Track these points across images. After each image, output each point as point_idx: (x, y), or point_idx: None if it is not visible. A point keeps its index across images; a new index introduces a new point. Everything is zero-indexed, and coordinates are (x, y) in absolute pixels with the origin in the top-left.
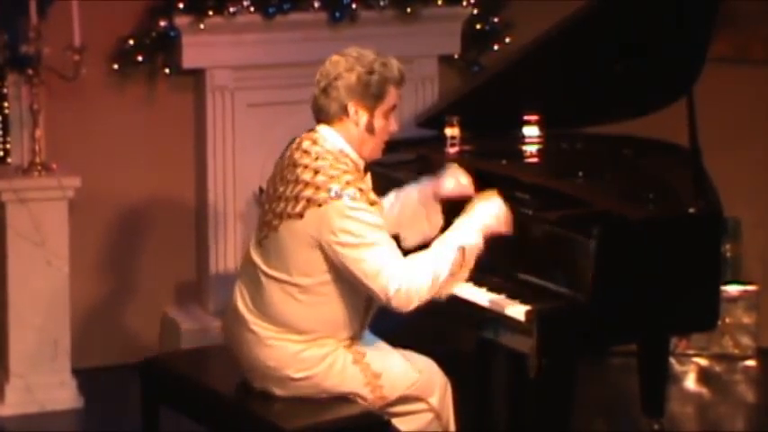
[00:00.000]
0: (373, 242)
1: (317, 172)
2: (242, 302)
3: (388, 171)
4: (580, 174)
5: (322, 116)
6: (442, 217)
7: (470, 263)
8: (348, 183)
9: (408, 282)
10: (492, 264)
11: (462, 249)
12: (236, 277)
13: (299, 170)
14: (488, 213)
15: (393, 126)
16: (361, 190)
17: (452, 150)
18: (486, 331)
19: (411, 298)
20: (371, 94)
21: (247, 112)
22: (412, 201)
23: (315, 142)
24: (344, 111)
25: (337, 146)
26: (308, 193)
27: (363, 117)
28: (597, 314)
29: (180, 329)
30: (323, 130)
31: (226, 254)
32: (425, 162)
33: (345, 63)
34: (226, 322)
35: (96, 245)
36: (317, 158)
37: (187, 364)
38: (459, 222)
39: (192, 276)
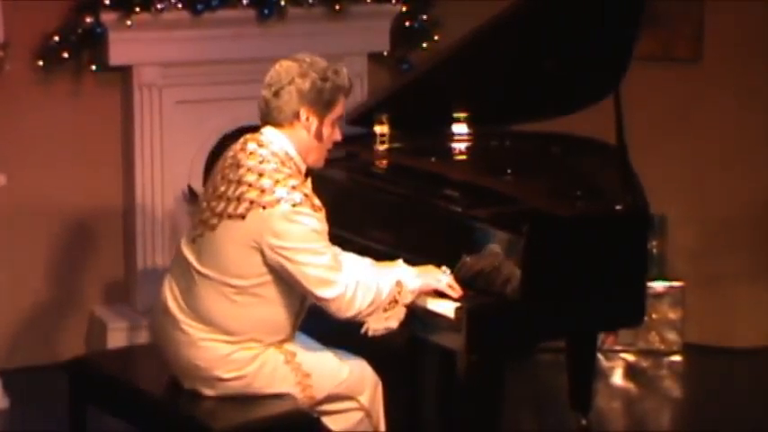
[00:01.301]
0: (317, 248)
1: (261, 175)
2: (173, 301)
3: (320, 170)
4: (509, 171)
5: (270, 119)
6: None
7: (401, 305)
8: (294, 187)
9: (352, 289)
10: (421, 261)
11: (400, 284)
12: (166, 274)
13: (242, 171)
14: (433, 275)
15: (337, 135)
16: (306, 195)
17: (381, 148)
18: (417, 329)
19: (352, 304)
20: (324, 101)
21: (176, 110)
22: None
23: (260, 144)
24: (296, 116)
25: (283, 149)
26: (252, 195)
27: (314, 123)
28: (526, 311)
29: (107, 328)
30: (269, 132)
31: (154, 252)
32: (355, 159)
33: (299, 68)
34: (154, 320)
35: (22, 244)
36: (261, 161)
37: (114, 363)
38: (404, 267)
39: (119, 275)
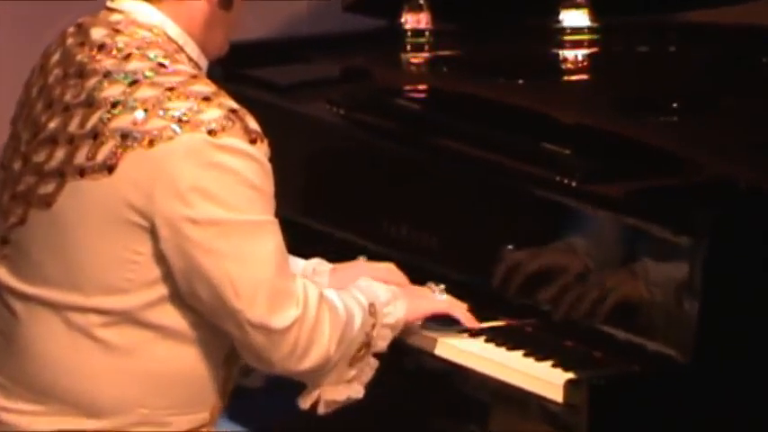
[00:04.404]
0: (260, 222)
1: (135, 82)
2: None
3: (291, 103)
4: (674, 105)
5: None
6: None
7: (371, 352)
8: (206, 99)
9: (313, 308)
10: (497, 290)
11: (374, 310)
12: None
13: (92, 82)
14: (420, 291)
15: None
16: (231, 111)
17: (415, 59)
18: (487, 422)
19: (316, 340)
20: None
21: None
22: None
23: (115, 29)
24: None
25: (162, 30)
26: (122, 122)
27: None
28: (708, 387)
29: None
30: (132, 6)
31: None
32: (361, 83)
33: None
34: None
35: None
36: (128, 56)
37: None
38: (367, 277)
39: None
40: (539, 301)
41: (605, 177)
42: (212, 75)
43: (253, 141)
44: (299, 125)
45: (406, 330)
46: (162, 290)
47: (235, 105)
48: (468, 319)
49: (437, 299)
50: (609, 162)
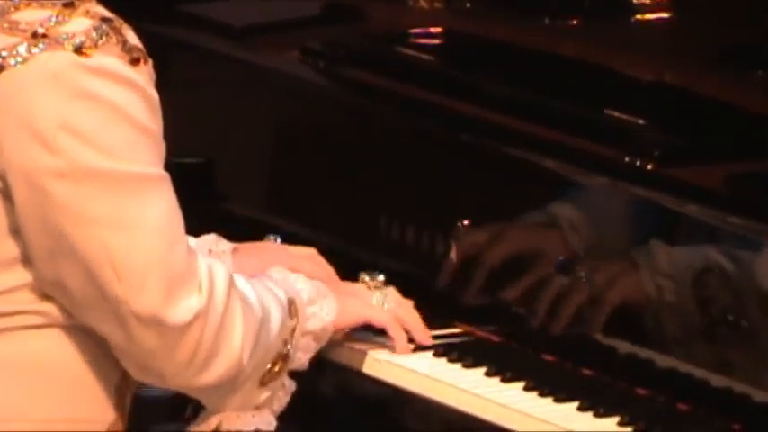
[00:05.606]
0: (144, 174)
1: None
2: None
3: (250, 53)
4: None
5: None
6: None
7: (285, 369)
8: (69, 5)
9: (221, 298)
10: (542, 319)
11: (293, 306)
12: None
13: None
14: (353, 288)
15: None
16: (107, 21)
17: None
18: None
19: (219, 346)
20: None
21: None
22: None
23: None
24: None
25: None
26: None
27: None
28: None
29: None
30: None
31: None
32: (350, 22)
33: None
34: None
35: None
36: None
37: None
38: (300, 278)
39: None
40: (596, 332)
41: (695, 158)
42: (126, 10)
43: (134, 62)
44: (262, 84)
45: (334, 342)
46: (18, 276)
47: (107, 13)
48: (421, 334)
49: (373, 302)
50: (699, 136)
